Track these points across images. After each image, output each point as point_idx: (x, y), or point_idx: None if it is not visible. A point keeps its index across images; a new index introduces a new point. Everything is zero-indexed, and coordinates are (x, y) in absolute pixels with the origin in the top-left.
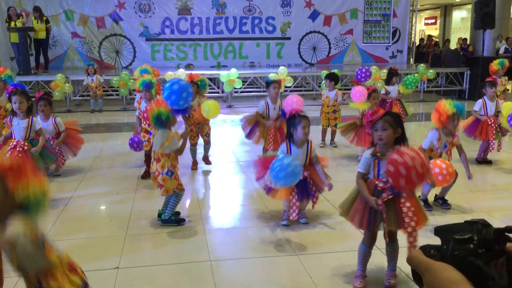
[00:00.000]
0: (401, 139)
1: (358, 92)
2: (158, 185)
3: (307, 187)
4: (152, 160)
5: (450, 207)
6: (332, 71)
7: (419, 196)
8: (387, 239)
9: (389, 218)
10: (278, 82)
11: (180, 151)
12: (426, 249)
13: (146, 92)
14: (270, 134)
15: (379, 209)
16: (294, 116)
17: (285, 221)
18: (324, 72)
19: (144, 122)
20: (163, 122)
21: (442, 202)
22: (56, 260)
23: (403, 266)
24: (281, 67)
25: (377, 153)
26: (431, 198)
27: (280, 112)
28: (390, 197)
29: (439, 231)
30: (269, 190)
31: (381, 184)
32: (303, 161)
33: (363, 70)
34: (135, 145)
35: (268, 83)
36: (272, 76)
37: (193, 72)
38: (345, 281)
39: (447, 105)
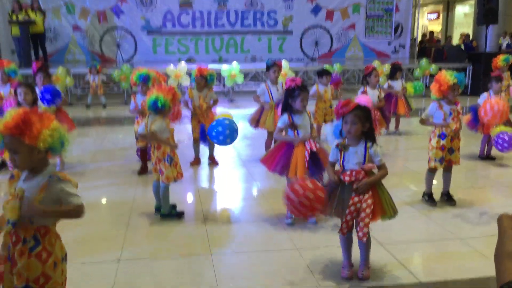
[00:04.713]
0: (368, 133)
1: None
2: (159, 172)
3: (318, 160)
4: (153, 149)
5: (455, 203)
6: (324, 67)
7: (425, 194)
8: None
9: (338, 207)
10: (278, 66)
11: (162, 142)
12: None
13: (143, 86)
14: (275, 116)
15: (334, 179)
16: (293, 89)
17: (289, 219)
18: (327, 67)
19: (140, 117)
20: (158, 108)
21: (447, 198)
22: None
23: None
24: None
25: (338, 146)
26: (436, 194)
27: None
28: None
29: None
30: (282, 171)
31: (347, 178)
32: (307, 128)
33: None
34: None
35: (269, 67)
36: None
37: (202, 66)
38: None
39: (447, 76)
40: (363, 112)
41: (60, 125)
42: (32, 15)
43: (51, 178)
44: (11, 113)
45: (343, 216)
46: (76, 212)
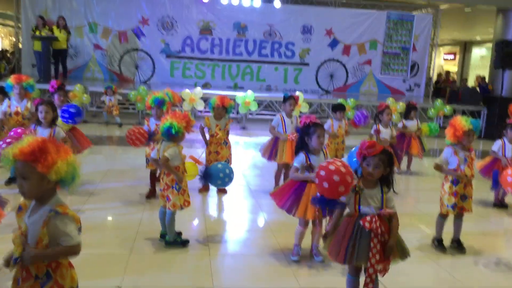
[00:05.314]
0: (387, 178)
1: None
2: (166, 199)
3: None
4: (162, 175)
5: (465, 251)
6: (339, 101)
7: (435, 239)
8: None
9: (360, 253)
10: (294, 99)
11: (172, 171)
12: None
13: (157, 109)
14: (288, 148)
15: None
16: (308, 126)
17: (295, 256)
18: (342, 100)
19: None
20: (171, 135)
21: (457, 245)
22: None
23: None
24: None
25: (356, 188)
26: (446, 239)
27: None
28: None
29: None
30: (290, 210)
31: (367, 225)
32: None
33: (362, 114)
34: None
35: (285, 99)
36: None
37: (224, 96)
38: None
39: (463, 121)
40: (387, 157)
41: (75, 159)
42: (56, 32)
43: (50, 213)
44: (29, 139)
45: (362, 261)
46: (68, 253)
